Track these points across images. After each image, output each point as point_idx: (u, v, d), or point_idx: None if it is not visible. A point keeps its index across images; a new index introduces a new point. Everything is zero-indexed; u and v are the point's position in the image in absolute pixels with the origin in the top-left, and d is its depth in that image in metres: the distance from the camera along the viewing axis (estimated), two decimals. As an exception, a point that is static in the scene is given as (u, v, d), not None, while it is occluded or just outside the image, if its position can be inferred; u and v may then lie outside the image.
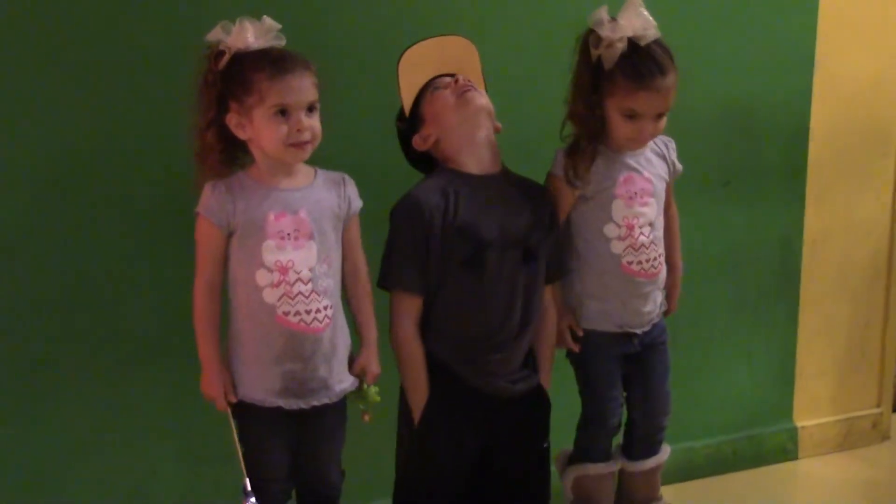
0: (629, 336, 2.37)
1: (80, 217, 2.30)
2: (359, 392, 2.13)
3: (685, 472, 2.81)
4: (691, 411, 3.00)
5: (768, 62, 2.96)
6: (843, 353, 3.28)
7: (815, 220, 3.14)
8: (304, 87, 1.98)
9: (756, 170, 3.03)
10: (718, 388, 3.10)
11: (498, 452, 2.23)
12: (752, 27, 2.93)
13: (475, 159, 2.17)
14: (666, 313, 2.48)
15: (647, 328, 2.39)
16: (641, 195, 2.31)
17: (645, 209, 2.31)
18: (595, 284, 2.33)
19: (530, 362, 2.26)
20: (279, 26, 2.01)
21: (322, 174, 2.11)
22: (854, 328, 3.28)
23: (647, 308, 2.37)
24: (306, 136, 1.99)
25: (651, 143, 2.37)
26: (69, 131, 2.26)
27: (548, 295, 2.29)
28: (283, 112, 1.98)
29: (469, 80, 2.20)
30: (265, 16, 2.01)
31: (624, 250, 2.30)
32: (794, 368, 3.21)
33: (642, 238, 2.31)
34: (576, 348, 2.36)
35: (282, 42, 2.02)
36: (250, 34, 1.98)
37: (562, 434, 2.42)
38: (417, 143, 2.22)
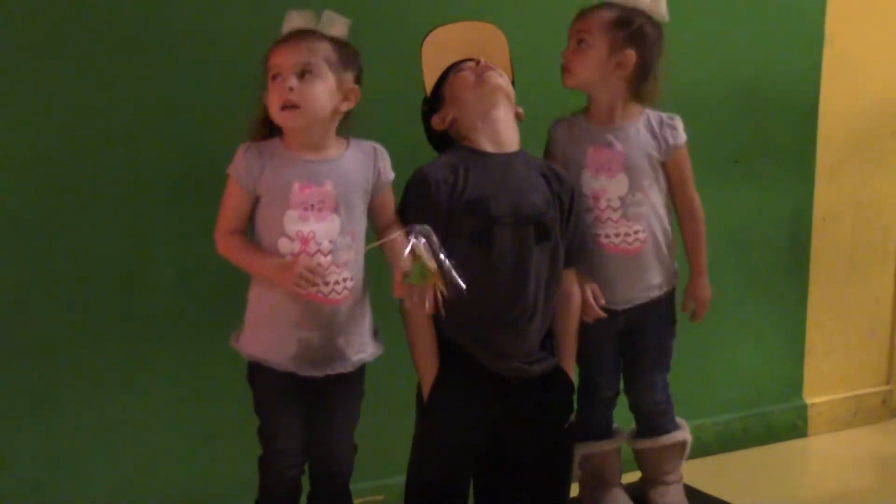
0: (614, 313, 2.37)
1: (93, 197, 2.30)
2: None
3: (695, 449, 2.79)
4: (701, 389, 3.02)
5: (778, 40, 2.96)
6: (852, 330, 3.29)
7: (824, 197, 3.14)
8: (295, 50, 2.01)
9: (766, 148, 3.03)
10: (728, 366, 3.11)
11: (513, 433, 2.22)
12: (761, 4, 2.92)
13: (489, 137, 2.18)
14: (693, 317, 2.47)
15: (628, 305, 2.38)
16: (609, 167, 2.33)
17: (611, 181, 2.33)
18: None
19: (548, 344, 2.25)
20: (344, 20, 2.05)
21: (355, 145, 2.12)
22: (863, 305, 3.29)
23: (632, 285, 2.37)
24: (292, 97, 2.00)
25: (644, 119, 2.37)
26: (81, 111, 2.27)
27: (570, 278, 2.28)
28: (276, 77, 2.02)
29: (492, 65, 2.22)
30: (326, 10, 2.05)
31: (591, 222, 2.33)
32: (804, 346, 3.22)
33: (608, 212, 2.33)
34: (600, 315, 2.34)
35: (331, 30, 2.05)
36: (296, 20, 2.05)
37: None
38: (436, 122, 2.23)
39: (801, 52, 3.01)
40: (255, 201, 2.05)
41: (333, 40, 2.06)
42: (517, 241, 2.14)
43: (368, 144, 2.13)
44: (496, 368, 2.15)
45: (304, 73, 2.01)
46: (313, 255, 2.01)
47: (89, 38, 2.25)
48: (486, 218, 2.11)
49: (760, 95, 2.95)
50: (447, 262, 1.94)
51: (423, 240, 1.92)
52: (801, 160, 3.10)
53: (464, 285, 1.94)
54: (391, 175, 2.14)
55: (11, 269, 2.27)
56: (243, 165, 2.04)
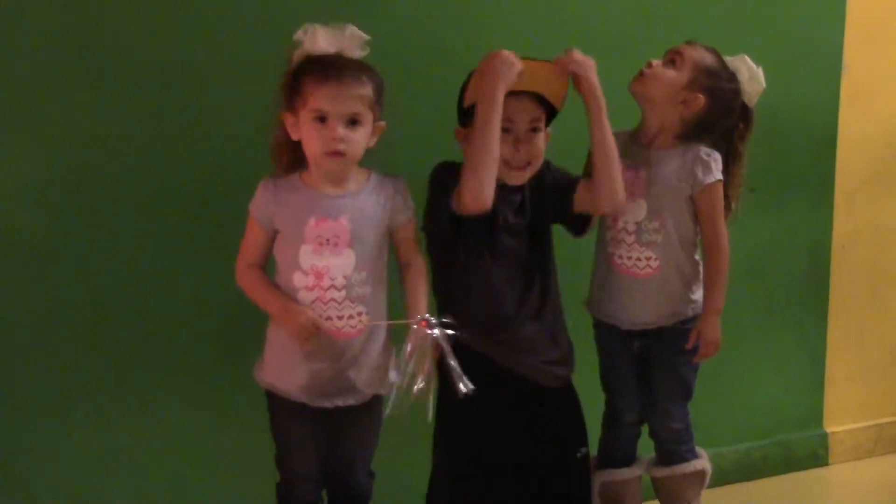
0: (628, 333, 2.41)
1: (112, 223, 2.33)
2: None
3: (714, 478, 2.79)
4: (720, 417, 3.01)
5: (796, 68, 2.96)
6: (872, 357, 3.27)
7: (843, 225, 3.14)
8: (345, 97, 1.97)
9: (784, 176, 3.03)
10: (748, 394, 3.10)
11: (529, 446, 2.24)
12: (779, 33, 2.93)
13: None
14: (696, 355, 2.42)
15: (637, 328, 2.40)
16: (631, 190, 2.33)
17: (630, 205, 2.34)
18: (596, 271, 2.45)
19: (570, 355, 2.29)
20: (364, 37, 2.03)
21: (375, 179, 2.10)
22: (883, 333, 3.27)
23: (637, 309, 2.39)
24: (340, 146, 1.98)
25: (681, 150, 2.36)
26: (100, 137, 2.29)
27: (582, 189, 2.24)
28: (322, 119, 1.99)
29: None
30: (350, 24, 2.03)
31: (609, 240, 2.38)
32: (824, 374, 3.20)
33: (623, 234, 2.36)
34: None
35: (358, 52, 2.03)
36: (321, 39, 2.00)
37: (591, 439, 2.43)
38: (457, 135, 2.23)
39: (819, 80, 3.02)
40: (275, 235, 2.07)
41: (374, 81, 2.02)
42: (519, 242, 2.19)
43: (388, 179, 2.11)
44: (515, 367, 2.19)
45: (354, 122, 2.00)
46: (327, 289, 2.03)
47: (110, 66, 2.28)
48: (489, 222, 2.14)
49: (778, 124, 2.95)
50: (454, 362, 1.94)
51: (437, 331, 1.93)
52: (820, 187, 3.10)
53: (469, 387, 1.95)
54: (409, 212, 2.12)
55: (31, 295, 2.30)
56: (261, 202, 2.06)
